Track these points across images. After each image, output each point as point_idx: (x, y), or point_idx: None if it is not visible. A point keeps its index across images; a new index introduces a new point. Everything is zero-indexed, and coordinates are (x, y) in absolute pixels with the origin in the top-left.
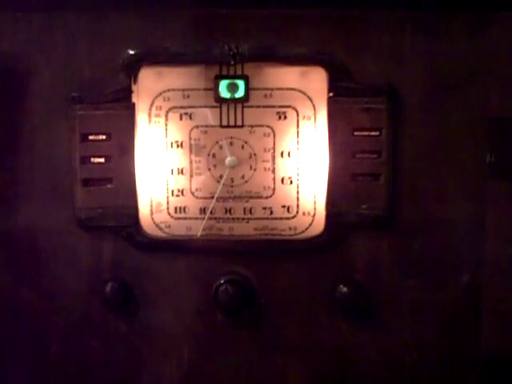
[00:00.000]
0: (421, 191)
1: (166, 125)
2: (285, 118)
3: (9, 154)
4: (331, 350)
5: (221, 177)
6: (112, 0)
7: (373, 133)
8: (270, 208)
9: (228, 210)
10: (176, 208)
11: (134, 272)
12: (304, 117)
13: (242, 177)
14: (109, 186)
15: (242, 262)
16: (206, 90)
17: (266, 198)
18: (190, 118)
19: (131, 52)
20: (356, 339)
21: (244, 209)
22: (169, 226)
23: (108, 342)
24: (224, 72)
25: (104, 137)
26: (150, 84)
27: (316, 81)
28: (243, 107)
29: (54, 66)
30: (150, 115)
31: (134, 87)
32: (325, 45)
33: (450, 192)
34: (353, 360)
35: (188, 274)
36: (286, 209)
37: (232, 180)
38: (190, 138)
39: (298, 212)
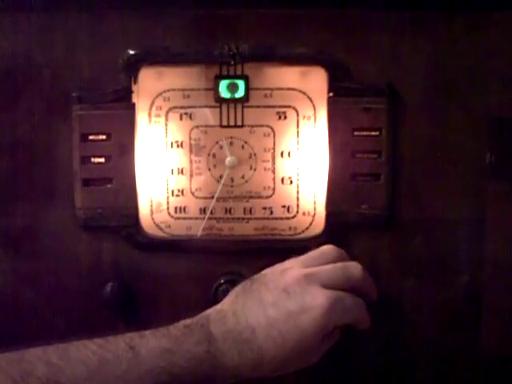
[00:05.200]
0: (421, 191)
1: (166, 125)
2: (285, 118)
3: (9, 154)
4: (331, 350)
5: (221, 177)
6: (112, 0)
7: (373, 133)
8: (270, 208)
9: (228, 210)
10: (176, 208)
11: (134, 272)
12: (304, 117)
13: (242, 177)
14: (109, 186)
15: (242, 261)
16: (206, 89)
17: (266, 197)
18: (190, 118)
19: (131, 52)
20: (355, 339)
21: (244, 209)
22: (169, 226)
23: None
24: (224, 72)
25: (104, 137)
26: (150, 84)
27: (316, 81)
28: (243, 107)
29: (54, 65)
30: (150, 115)
31: (134, 87)
32: (325, 45)
33: (449, 192)
34: (353, 360)
35: (188, 274)
36: (286, 209)
37: (232, 180)
38: (190, 138)
39: (298, 212)
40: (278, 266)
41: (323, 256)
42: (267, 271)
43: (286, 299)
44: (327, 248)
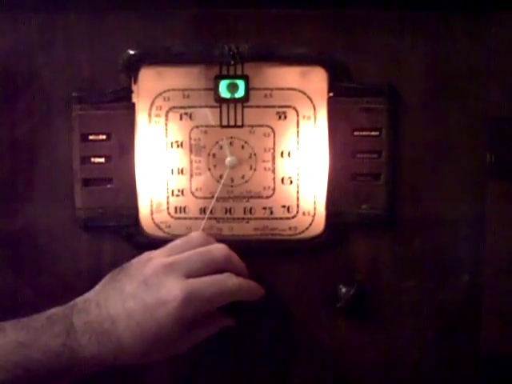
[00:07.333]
0: (421, 191)
1: (166, 125)
2: (285, 118)
3: (9, 154)
4: (331, 350)
5: (221, 177)
6: (112, 0)
7: (373, 133)
8: (270, 208)
9: (228, 210)
10: (176, 208)
11: None
12: (304, 117)
13: (242, 177)
14: (109, 186)
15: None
16: (206, 89)
17: (266, 197)
18: (190, 118)
19: (131, 52)
20: (356, 339)
21: (244, 209)
22: (169, 226)
23: None
24: (224, 72)
25: (104, 137)
26: (150, 84)
27: (316, 81)
28: (243, 107)
29: (53, 65)
30: (150, 115)
31: (134, 87)
32: (325, 45)
33: (449, 192)
34: (353, 360)
35: None
36: (286, 209)
37: (232, 180)
38: (190, 138)
39: (298, 212)
40: (144, 256)
41: (188, 243)
42: (134, 261)
43: (144, 291)
44: (193, 234)
